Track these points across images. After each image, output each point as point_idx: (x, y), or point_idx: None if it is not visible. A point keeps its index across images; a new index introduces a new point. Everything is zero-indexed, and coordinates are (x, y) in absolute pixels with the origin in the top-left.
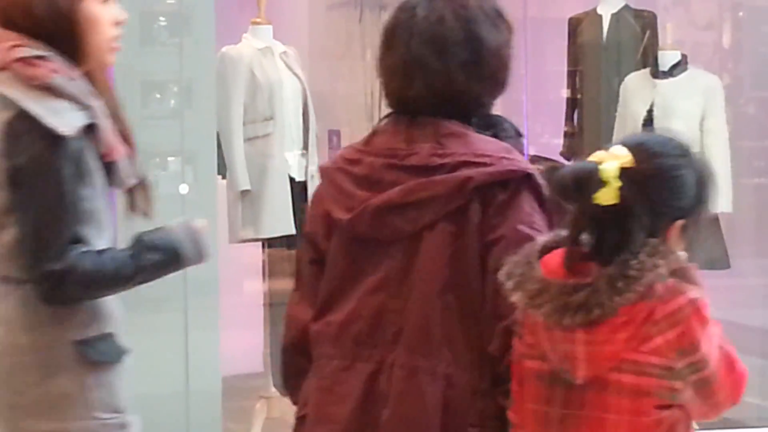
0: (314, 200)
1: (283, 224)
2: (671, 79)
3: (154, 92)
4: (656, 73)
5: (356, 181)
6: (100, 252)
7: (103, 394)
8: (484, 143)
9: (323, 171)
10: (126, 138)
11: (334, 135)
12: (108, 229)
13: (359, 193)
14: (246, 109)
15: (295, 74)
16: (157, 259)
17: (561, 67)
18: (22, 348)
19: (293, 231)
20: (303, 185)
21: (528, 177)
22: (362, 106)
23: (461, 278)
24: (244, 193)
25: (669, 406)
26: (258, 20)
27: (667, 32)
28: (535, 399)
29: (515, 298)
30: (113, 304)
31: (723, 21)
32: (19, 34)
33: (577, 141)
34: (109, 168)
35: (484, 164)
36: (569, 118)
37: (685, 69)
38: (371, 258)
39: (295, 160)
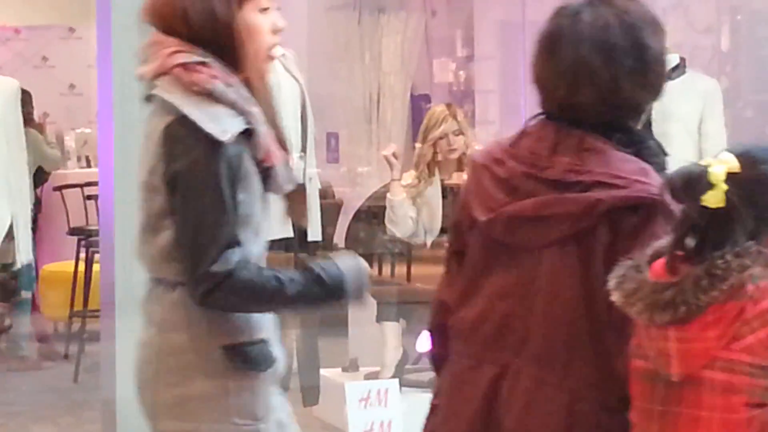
0: (463, 191)
1: (281, 227)
2: (669, 82)
3: None
4: None
5: (497, 182)
6: (265, 269)
7: (243, 401)
8: (622, 163)
9: (472, 162)
10: (282, 144)
11: (332, 137)
12: (263, 235)
13: (498, 197)
14: None
15: (294, 77)
16: (320, 294)
17: None
18: (169, 350)
19: (291, 234)
20: (301, 188)
21: (659, 202)
22: (360, 109)
23: (588, 298)
24: None
25: (761, 405)
26: None
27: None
28: (641, 396)
29: (614, 297)
30: None
31: (721, 24)
32: (179, 40)
33: None
34: (267, 173)
35: (617, 186)
36: None
37: (684, 72)
38: (505, 261)
39: (293, 163)
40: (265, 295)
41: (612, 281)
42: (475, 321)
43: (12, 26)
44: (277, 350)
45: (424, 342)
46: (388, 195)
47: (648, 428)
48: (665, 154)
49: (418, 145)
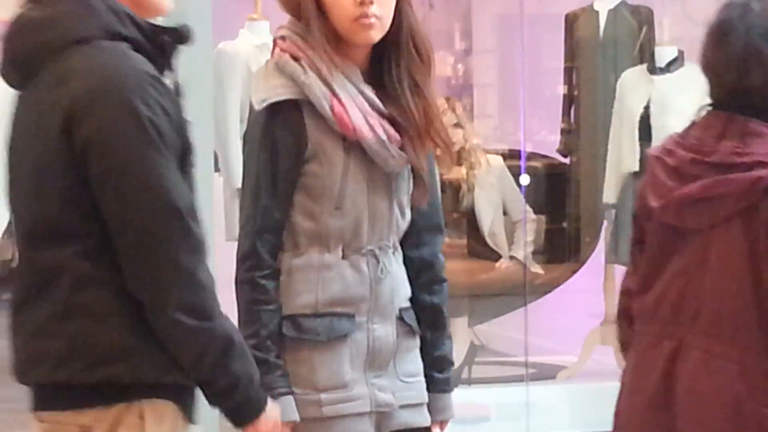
0: (641, 184)
1: None
2: (668, 75)
3: None
4: (653, 69)
5: (668, 171)
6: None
7: (300, 370)
8: None
9: (649, 157)
10: (400, 121)
11: None
12: (352, 204)
13: (668, 184)
14: (242, 106)
15: None
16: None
17: (558, 63)
18: None
19: None
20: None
21: None
22: None
23: (755, 272)
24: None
25: None
26: (255, 16)
27: (663, 28)
28: None
29: None
30: (351, 285)
31: None
32: (290, 16)
33: (573, 137)
34: (357, 148)
35: None
36: (566, 114)
37: (682, 65)
38: (678, 244)
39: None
40: (244, 316)
41: None
42: (655, 302)
43: (7, 20)
44: (353, 326)
45: None
46: None
47: None
48: None
49: None
